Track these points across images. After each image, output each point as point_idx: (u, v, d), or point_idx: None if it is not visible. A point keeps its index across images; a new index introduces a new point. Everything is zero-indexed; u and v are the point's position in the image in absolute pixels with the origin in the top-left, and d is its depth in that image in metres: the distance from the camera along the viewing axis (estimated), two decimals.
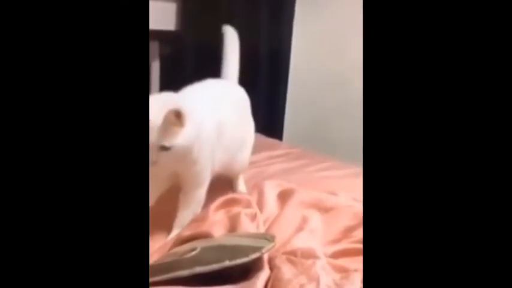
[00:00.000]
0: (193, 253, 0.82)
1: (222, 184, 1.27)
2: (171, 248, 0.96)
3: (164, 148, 0.97)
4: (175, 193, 1.14)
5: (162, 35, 2.00)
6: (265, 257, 0.83)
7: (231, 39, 1.37)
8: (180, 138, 0.98)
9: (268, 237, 0.85)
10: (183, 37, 2.03)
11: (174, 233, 1.11)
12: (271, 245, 0.81)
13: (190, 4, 2.01)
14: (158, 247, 1.02)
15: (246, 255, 0.78)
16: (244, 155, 1.30)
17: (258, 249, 0.79)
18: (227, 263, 0.77)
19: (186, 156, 1.02)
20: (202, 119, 1.05)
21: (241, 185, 1.35)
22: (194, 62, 2.01)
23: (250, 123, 1.34)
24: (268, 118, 2.20)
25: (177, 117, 0.96)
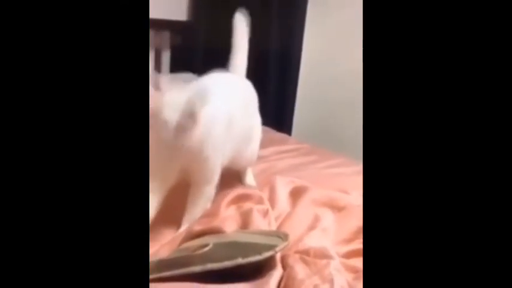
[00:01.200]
0: (206, 249, 0.81)
1: (230, 177, 1.26)
2: (181, 243, 0.96)
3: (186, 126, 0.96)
4: (184, 187, 1.13)
5: (174, 25, 1.99)
6: (278, 255, 0.83)
7: (241, 27, 1.35)
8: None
9: (281, 235, 0.84)
10: (194, 28, 2.02)
11: (183, 227, 1.10)
12: (284, 244, 0.81)
13: None
14: (168, 241, 1.02)
15: (259, 253, 0.77)
16: (252, 148, 1.29)
17: (271, 247, 0.79)
18: (240, 261, 0.76)
19: (200, 148, 1.02)
20: (214, 113, 1.04)
21: (250, 179, 1.35)
22: (204, 53, 2.00)
23: (257, 116, 1.33)
24: (278, 112, 2.19)
25: (199, 100, 0.96)
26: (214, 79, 1.19)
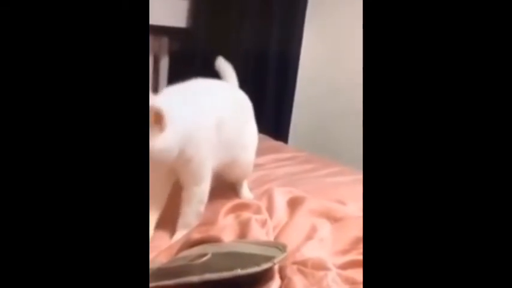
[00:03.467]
0: (204, 259, 0.82)
1: (226, 191, 1.28)
2: (179, 251, 0.96)
3: None
4: (178, 192, 1.14)
5: (173, 32, 2.00)
6: (276, 266, 0.83)
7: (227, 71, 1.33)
8: (159, 142, 0.94)
9: (279, 246, 0.85)
10: (193, 35, 2.03)
11: (179, 233, 1.11)
12: (283, 255, 0.81)
13: (201, 2, 2.01)
14: (165, 248, 1.02)
15: (258, 264, 0.77)
16: (247, 157, 1.28)
17: (269, 258, 0.79)
18: (239, 272, 0.76)
19: (175, 157, 1.01)
20: (193, 119, 1.03)
21: (246, 192, 1.33)
22: (203, 60, 2.01)
23: (251, 124, 1.31)
24: (275, 120, 2.20)
25: (157, 119, 0.93)
26: (197, 84, 1.18)
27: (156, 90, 1.96)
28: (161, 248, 1.03)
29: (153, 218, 1.13)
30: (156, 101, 0.95)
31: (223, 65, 1.31)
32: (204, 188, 1.12)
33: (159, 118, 0.93)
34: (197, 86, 1.16)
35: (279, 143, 1.91)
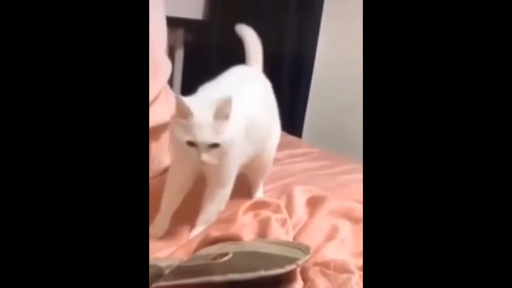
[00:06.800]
0: (226, 258, 0.81)
1: (245, 189, 1.28)
2: (198, 247, 0.96)
3: (215, 146, 0.96)
4: (198, 189, 1.14)
5: (188, 24, 1.99)
6: (298, 267, 0.83)
7: (251, 38, 1.33)
8: (228, 133, 0.97)
9: (303, 248, 0.84)
10: (209, 27, 2.02)
11: (198, 228, 1.11)
12: (306, 257, 0.80)
13: None
14: (184, 244, 1.02)
15: (281, 266, 0.77)
16: (269, 154, 1.26)
17: (293, 260, 0.78)
18: (262, 273, 0.76)
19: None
20: (235, 118, 1.02)
21: (260, 192, 1.32)
22: (218, 52, 2.00)
23: (276, 119, 1.29)
24: (289, 114, 2.18)
25: (224, 109, 0.95)
26: (235, 78, 1.17)
27: (170, 81, 1.95)
28: (179, 244, 1.04)
29: (169, 213, 1.13)
30: (218, 94, 0.98)
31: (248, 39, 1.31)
32: (228, 189, 1.12)
33: (227, 107, 0.95)
34: (229, 83, 1.14)
35: (294, 138, 1.91)
